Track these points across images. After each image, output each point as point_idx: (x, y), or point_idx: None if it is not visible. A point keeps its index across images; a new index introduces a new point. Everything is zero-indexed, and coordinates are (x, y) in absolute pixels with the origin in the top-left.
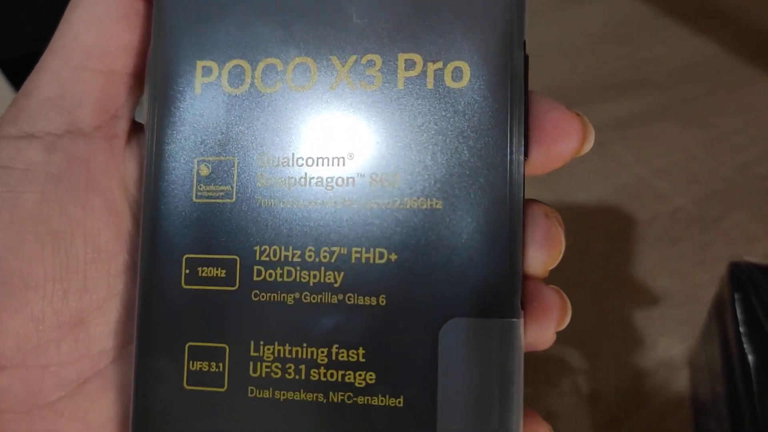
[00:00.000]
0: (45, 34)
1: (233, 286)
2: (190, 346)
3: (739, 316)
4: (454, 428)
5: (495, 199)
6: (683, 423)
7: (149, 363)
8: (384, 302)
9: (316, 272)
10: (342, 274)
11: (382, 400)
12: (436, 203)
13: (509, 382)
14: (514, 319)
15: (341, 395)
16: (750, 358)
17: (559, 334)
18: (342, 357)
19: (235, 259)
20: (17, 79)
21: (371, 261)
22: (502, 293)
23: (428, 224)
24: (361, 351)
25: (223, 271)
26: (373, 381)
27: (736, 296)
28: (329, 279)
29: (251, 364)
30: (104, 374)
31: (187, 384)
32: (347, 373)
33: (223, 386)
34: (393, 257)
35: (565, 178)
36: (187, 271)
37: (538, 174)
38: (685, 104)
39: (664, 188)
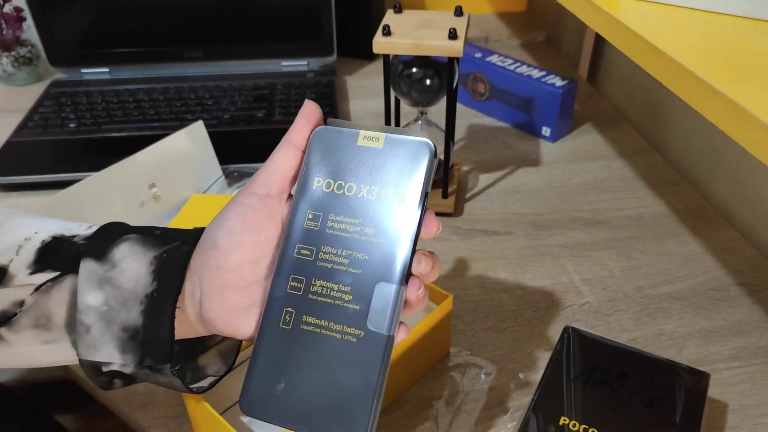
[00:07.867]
0: (236, 117)
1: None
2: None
3: (557, 359)
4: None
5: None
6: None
7: (276, 281)
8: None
9: None
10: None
11: None
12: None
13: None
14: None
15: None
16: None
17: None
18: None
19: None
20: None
21: None
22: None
23: None
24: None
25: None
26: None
27: (557, 348)
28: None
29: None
30: (262, 285)
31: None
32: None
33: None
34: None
35: (521, 273)
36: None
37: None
38: (622, 242)
39: (583, 290)
